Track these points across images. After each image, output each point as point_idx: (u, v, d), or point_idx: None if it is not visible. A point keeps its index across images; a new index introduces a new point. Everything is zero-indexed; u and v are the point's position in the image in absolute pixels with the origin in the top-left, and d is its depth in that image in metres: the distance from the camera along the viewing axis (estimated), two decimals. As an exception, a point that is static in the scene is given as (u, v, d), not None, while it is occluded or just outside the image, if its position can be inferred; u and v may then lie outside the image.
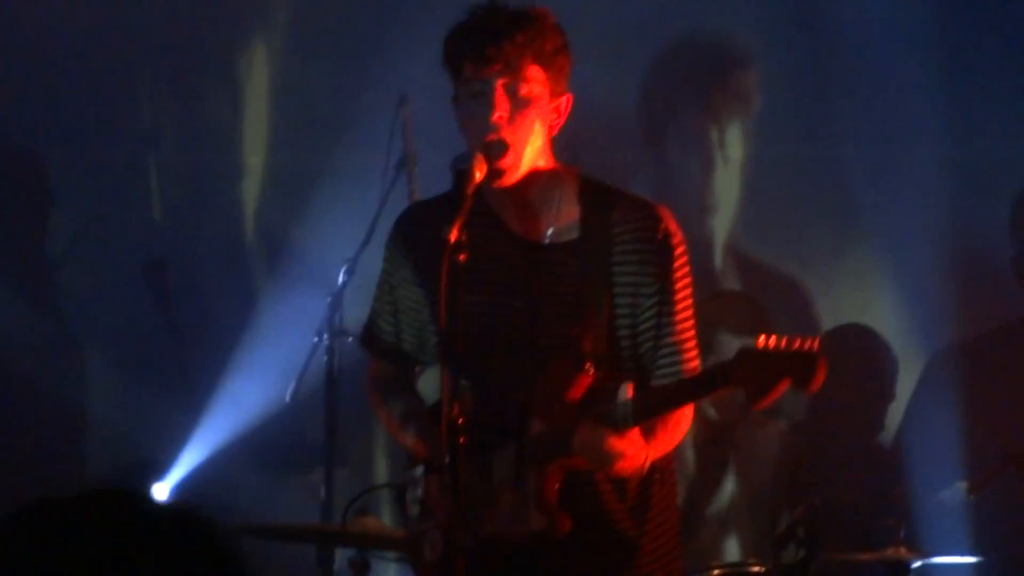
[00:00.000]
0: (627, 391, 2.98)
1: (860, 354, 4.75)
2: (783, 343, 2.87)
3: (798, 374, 2.87)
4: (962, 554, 4.36)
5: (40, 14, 5.49)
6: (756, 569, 3.85)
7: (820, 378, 2.84)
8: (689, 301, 3.17)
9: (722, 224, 4.94)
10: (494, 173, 2.98)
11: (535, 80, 3.05)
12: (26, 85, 5.44)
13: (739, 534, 4.85)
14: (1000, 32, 5.03)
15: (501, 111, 3.00)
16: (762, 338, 2.86)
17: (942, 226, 4.83)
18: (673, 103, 5.13)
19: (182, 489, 4.71)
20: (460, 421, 2.88)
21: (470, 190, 2.94)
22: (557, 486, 3.05)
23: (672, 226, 3.15)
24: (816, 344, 2.88)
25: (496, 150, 2.96)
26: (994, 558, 4.47)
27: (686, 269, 3.17)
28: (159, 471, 4.77)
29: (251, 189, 5.26)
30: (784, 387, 2.86)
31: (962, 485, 4.18)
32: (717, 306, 4.74)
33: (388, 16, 4.87)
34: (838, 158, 4.97)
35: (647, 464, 3.03)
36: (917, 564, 4.12)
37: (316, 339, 4.50)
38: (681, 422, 3.13)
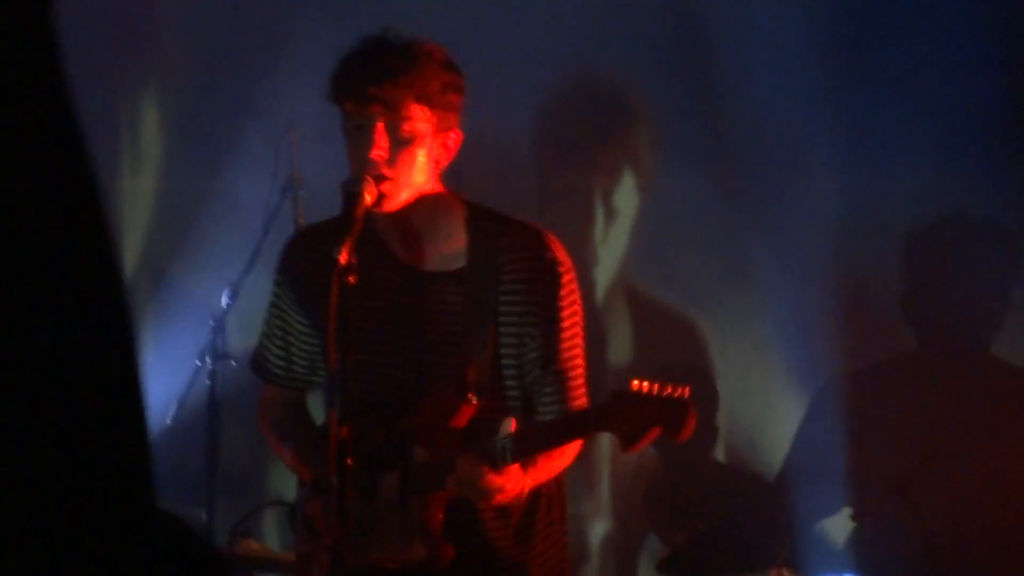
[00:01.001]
0: (509, 425, 2.97)
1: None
2: (655, 389, 2.89)
3: (668, 422, 2.87)
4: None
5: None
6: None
7: (690, 428, 2.84)
8: (577, 330, 3.15)
9: (604, 273, 4.92)
10: (381, 196, 2.97)
11: (418, 119, 3.03)
12: None
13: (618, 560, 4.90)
14: (892, 67, 5.09)
15: (380, 149, 2.99)
16: (635, 382, 2.87)
17: (831, 259, 4.88)
18: (560, 159, 5.08)
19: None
20: (347, 444, 2.87)
21: (359, 211, 2.89)
22: (440, 516, 3.05)
23: (560, 254, 3.11)
24: (687, 392, 2.88)
25: (378, 181, 2.95)
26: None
27: (574, 297, 3.15)
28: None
29: (135, 214, 5.21)
30: (655, 435, 2.87)
31: (846, 511, 4.28)
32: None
33: (276, 43, 4.86)
34: (727, 190, 4.99)
35: (525, 493, 3.03)
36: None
37: (199, 363, 4.47)
38: (566, 452, 3.10)
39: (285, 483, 3.82)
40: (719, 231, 5.00)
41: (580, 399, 3.13)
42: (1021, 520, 4.42)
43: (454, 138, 3.07)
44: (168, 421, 4.52)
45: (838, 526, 4.44)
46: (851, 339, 4.78)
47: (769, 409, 4.77)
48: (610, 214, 4.96)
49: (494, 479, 2.95)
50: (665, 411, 2.89)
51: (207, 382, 4.39)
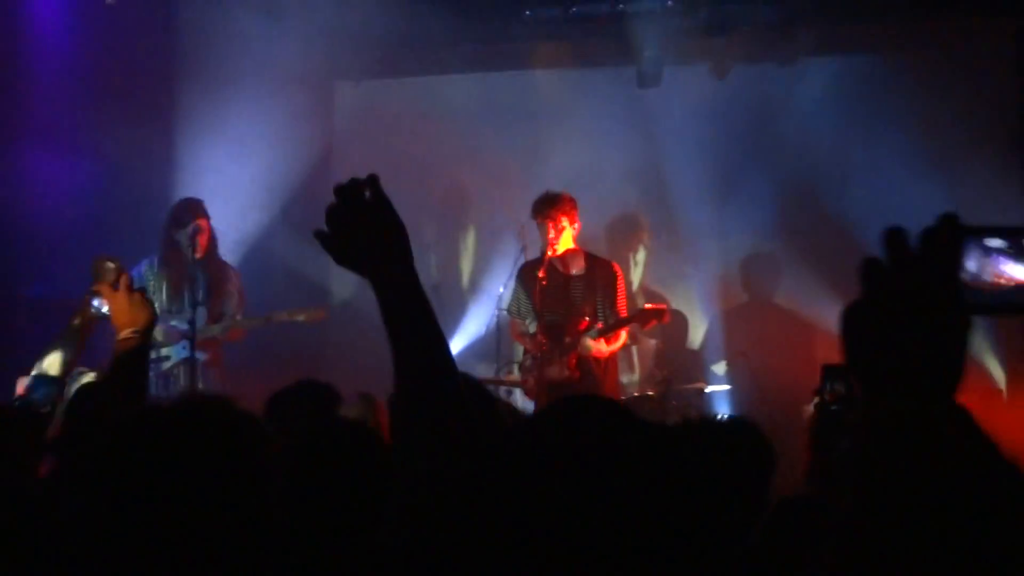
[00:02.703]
0: (596, 326, 8.42)
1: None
2: (654, 305, 8.43)
3: (659, 317, 8.34)
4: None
5: None
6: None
7: (667, 318, 8.38)
8: (624, 298, 8.43)
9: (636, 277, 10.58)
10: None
11: (562, 222, 8.19)
12: None
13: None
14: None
15: (551, 234, 8.34)
16: (648, 304, 8.47)
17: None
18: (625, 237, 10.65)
19: None
20: (542, 337, 8.48)
21: (546, 256, 8.52)
22: (573, 361, 8.39)
23: (618, 269, 8.39)
24: (664, 305, 8.47)
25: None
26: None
27: (624, 287, 8.39)
28: None
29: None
30: (654, 322, 8.43)
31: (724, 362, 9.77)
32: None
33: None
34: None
35: (605, 353, 8.53)
36: None
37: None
38: (620, 337, 8.44)
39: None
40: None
41: (624, 315, 8.52)
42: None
43: (577, 227, 8.52)
44: None
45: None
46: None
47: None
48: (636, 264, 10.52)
49: (593, 345, 8.40)
50: (657, 310, 8.28)
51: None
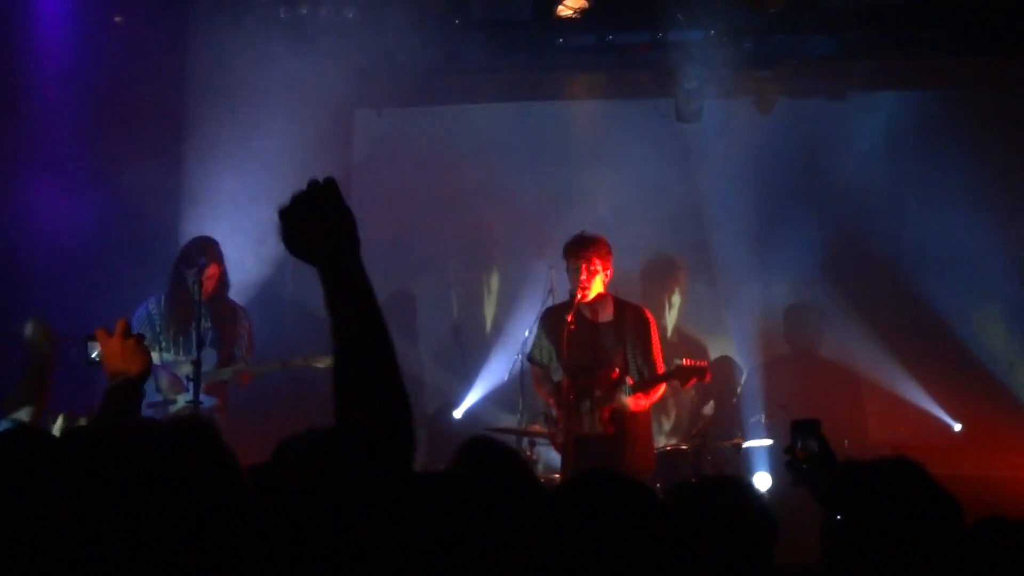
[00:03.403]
0: (628, 381, 7.87)
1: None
2: (693, 361, 7.83)
3: (699, 375, 7.74)
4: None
5: None
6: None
7: (708, 378, 7.74)
8: (658, 346, 7.92)
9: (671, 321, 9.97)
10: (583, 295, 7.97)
11: (595, 265, 7.67)
12: None
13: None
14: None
15: (583, 277, 7.81)
16: (686, 360, 7.86)
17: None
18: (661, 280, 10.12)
19: None
20: (569, 390, 7.90)
21: (575, 302, 7.88)
22: (607, 415, 7.82)
23: (649, 315, 7.98)
24: (706, 362, 7.84)
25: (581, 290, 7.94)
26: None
27: (656, 333, 7.95)
28: None
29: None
30: (694, 381, 7.80)
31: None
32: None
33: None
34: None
35: (643, 407, 7.97)
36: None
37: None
38: (659, 391, 7.90)
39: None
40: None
41: (660, 370, 7.97)
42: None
43: (609, 273, 8.00)
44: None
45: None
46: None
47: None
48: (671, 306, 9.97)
49: (627, 400, 7.82)
50: (698, 368, 7.69)
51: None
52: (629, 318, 7.88)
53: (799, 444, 3.75)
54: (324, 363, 7.83)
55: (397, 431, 2.49)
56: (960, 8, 8.87)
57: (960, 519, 2.99)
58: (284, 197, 2.56)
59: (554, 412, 7.87)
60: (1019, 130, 9.43)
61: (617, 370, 7.74)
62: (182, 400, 8.14)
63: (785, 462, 3.73)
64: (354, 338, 2.53)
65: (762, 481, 8.69)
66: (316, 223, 2.54)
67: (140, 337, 3.75)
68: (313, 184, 2.60)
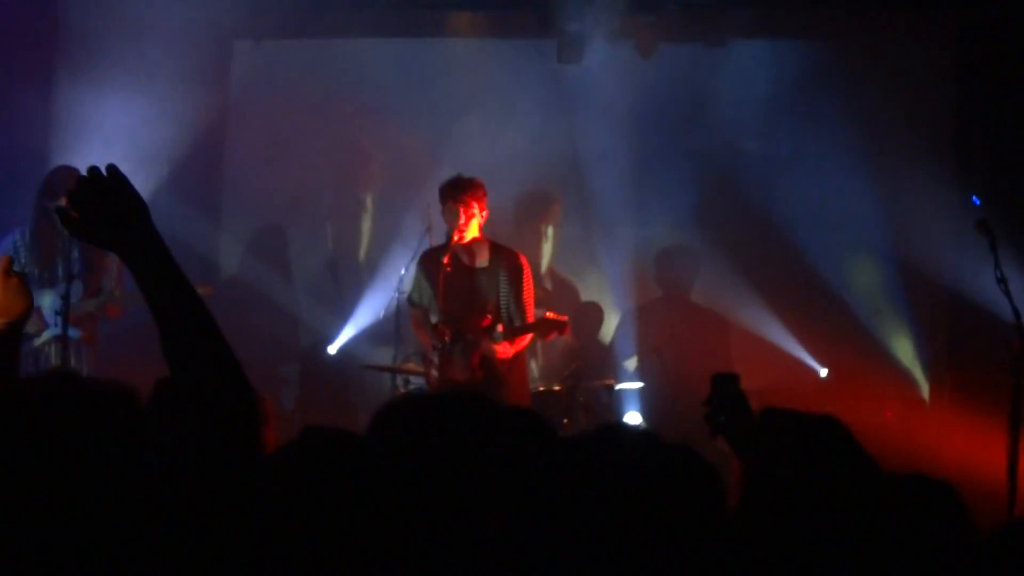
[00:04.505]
0: (499, 327, 7.85)
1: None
2: (555, 315, 7.84)
3: (559, 328, 7.76)
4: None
5: None
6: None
7: (567, 330, 7.80)
8: (531, 293, 7.91)
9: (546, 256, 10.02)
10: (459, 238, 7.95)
11: (472, 207, 7.72)
12: None
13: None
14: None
15: (461, 220, 7.77)
16: (550, 313, 7.89)
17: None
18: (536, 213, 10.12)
19: None
20: (443, 331, 7.89)
21: (452, 243, 7.79)
22: (476, 360, 7.91)
23: (524, 260, 7.89)
24: (565, 317, 7.80)
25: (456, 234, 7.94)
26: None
27: (530, 279, 7.91)
28: None
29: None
30: (555, 333, 7.84)
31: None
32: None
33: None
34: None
35: (510, 354, 7.99)
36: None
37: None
38: (524, 339, 7.93)
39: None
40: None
41: (529, 319, 8.02)
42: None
43: (485, 215, 7.97)
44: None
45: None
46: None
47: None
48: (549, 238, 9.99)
49: (496, 347, 7.87)
50: (559, 322, 7.80)
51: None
52: (504, 264, 7.90)
53: (717, 396, 3.72)
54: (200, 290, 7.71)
55: (228, 392, 2.53)
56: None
57: (878, 476, 3.02)
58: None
59: (430, 354, 7.88)
60: (895, 84, 9.55)
61: (489, 317, 7.76)
62: (46, 335, 7.97)
63: (704, 414, 3.70)
64: (169, 315, 2.57)
65: (633, 420, 8.82)
66: (106, 212, 2.54)
67: (24, 276, 3.38)
68: (94, 172, 2.59)
